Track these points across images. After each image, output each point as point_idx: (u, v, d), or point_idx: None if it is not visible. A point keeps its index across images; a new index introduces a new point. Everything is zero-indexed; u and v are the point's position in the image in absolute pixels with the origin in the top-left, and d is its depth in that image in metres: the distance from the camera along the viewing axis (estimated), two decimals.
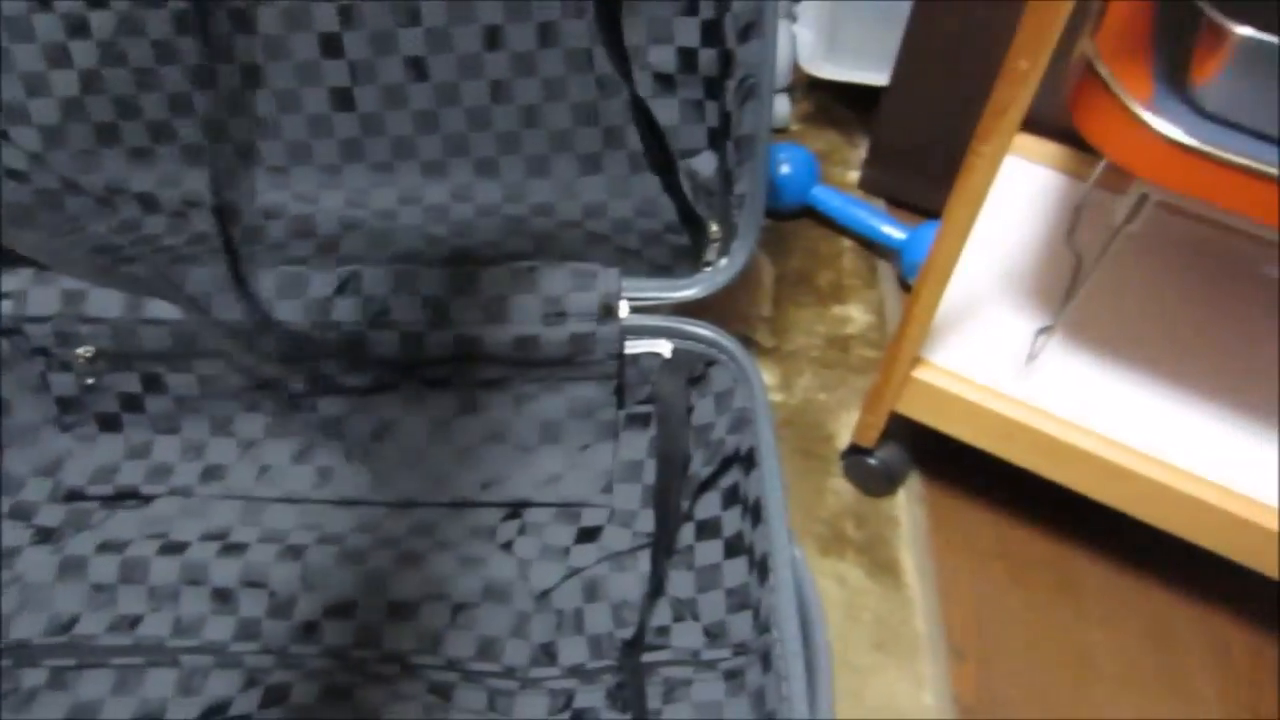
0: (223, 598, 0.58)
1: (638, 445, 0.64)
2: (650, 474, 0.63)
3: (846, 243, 0.86)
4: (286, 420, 0.63)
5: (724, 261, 0.61)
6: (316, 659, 0.56)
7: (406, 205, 0.65)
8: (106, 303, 0.58)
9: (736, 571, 0.57)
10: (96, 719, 0.54)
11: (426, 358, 0.60)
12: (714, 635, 0.56)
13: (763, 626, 0.52)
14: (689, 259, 0.62)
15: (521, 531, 0.62)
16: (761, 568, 0.54)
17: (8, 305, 0.59)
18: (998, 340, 0.65)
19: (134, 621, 0.57)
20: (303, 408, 0.63)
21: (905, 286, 0.83)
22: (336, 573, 0.58)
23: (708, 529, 0.60)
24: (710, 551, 0.59)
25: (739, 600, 0.56)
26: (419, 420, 0.63)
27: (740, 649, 0.54)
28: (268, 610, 0.57)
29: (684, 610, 0.58)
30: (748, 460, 0.58)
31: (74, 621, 0.57)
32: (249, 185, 0.64)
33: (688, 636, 0.57)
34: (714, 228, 0.60)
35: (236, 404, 0.63)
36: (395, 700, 0.54)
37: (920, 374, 0.62)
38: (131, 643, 0.56)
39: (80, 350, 0.60)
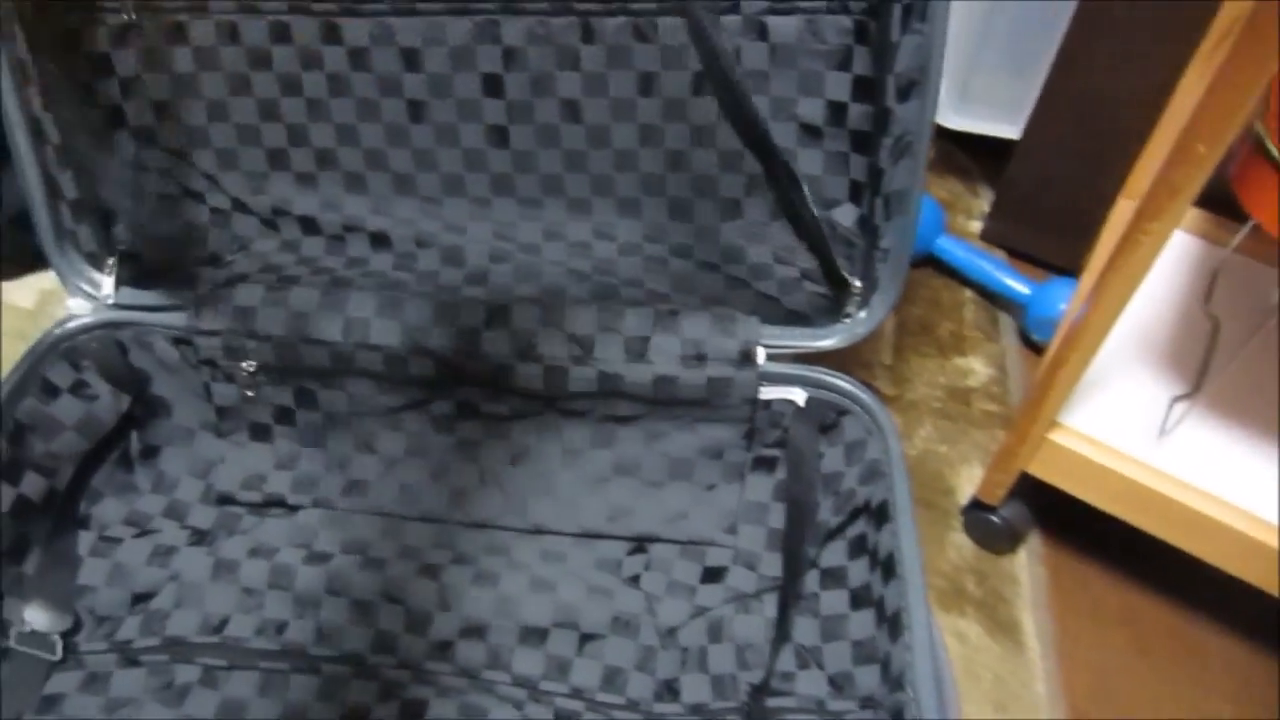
0: (362, 610, 0.60)
1: (763, 489, 0.65)
2: (774, 518, 0.65)
3: (968, 294, 0.86)
4: (427, 441, 0.66)
5: (863, 314, 0.62)
6: (450, 677, 0.58)
7: (551, 240, 0.67)
8: (273, 321, 0.62)
9: (863, 624, 0.58)
10: (244, 713, 0.56)
11: (567, 392, 0.62)
12: (839, 686, 0.57)
13: (895, 683, 0.52)
14: (828, 309, 0.64)
15: (648, 567, 0.63)
16: (894, 623, 0.54)
17: (182, 318, 0.62)
18: (1133, 405, 0.65)
19: (280, 627, 0.60)
20: (443, 430, 0.65)
21: (1027, 342, 0.83)
22: (470, 593, 0.61)
23: (833, 578, 0.61)
24: (836, 601, 0.60)
25: (866, 653, 0.57)
26: (553, 449, 0.65)
27: (868, 703, 0.55)
28: (405, 625, 0.60)
29: (808, 658, 0.59)
30: (880, 513, 0.58)
31: (225, 623, 0.60)
32: (404, 214, 0.67)
33: (812, 685, 0.58)
34: (855, 281, 0.61)
35: (381, 423, 0.66)
36: None
37: (1056, 437, 0.62)
38: (278, 648, 0.59)
39: (245, 364, 0.63)
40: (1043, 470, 0.63)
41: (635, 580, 0.63)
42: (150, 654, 0.58)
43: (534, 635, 0.60)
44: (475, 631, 0.60)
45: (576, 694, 0.59)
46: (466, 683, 0.59)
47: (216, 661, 0.58)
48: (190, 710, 0.57)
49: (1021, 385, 0.80)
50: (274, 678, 0.58)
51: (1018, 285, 0.82)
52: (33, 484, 0.59)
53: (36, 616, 0.57)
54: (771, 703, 0.57)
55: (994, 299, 0.86)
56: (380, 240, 0.66)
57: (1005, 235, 0.89)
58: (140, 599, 0.61)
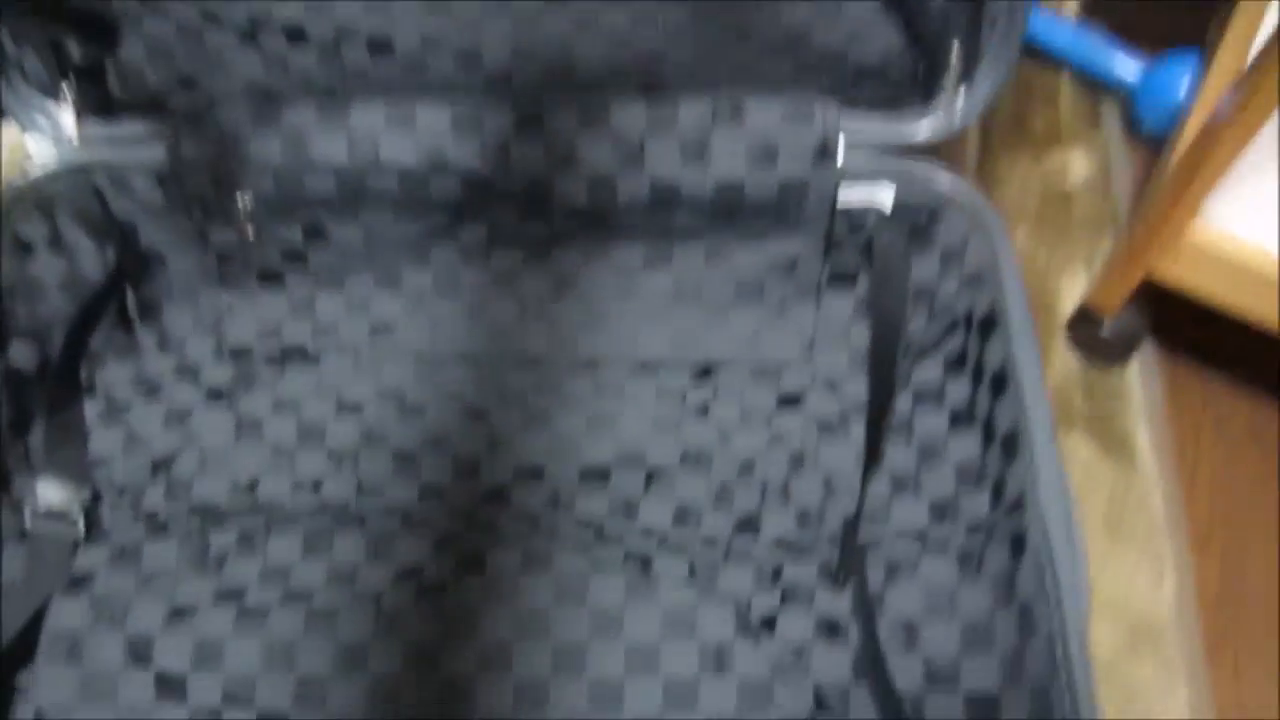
0: (404, 460, 0.55)
1: (843, 307, 0.58)
2: (858, 337, 0.58)
3: (1065, 79, 0.76)
4: (457, 275, 0.59)
5: (962, 96, 0.53)
6: (508, 523, 0.53)
7: (583, 32, 0.58)
8: (267, 147, 0.54)
9: (966, 445, 0.52)
10: (289, 582, 0.52)
11: (616, 206, 0.55)
12: (941, 513, 0.51)
13: (1012, 505, 0.46)
14: (918, 92, 0.54)
15: (716, 395, 0.57)
16: (1008, 443, 0.48)
17: (161, 151, 0.55)
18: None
19: (316, 484, 0.55)
20: (475, 261, 0.58)
21: (1135, 133, 0.73)
22: (522, 436, 0.55)
23: (930, 398, 0.54)
24: (933, 422, 0.54)
25: (971, 476, 0.51)
26: (602, 275, 0.58)
27: (976, 529, 0.49)
28: (453, 474, 0.55)
29: (904, 485, 0.53)
30: (985, 324, 0.51)
31: (256, 484, 0.55)
32: (405, 12, 0.58)
33: (910, 513, 0.52)
34: (953, 54, 0.52)
35: (404, 257, 0.59)
36: (596, 569, 0.51)
37: (1193, 236, 0.53)
38: (317, 505, 0.54)
39: (240, 199, 0.56)
40: (1174, 273, 0.55)
41: (704, 410, 0.56)
42: (180, 521, 0.54)
43: (596, 475, 0.54)
44: (531, 474, 0.54)
45: (647, 534, 0.53)
46: (526, 528, 0.53)
47: (252, 523, 0.54)
48: (231, 577, 0.52)
49: (1129, 183, 0.71)
50: (317, 537, 0.54)
51: (1125, 67, 0.71)
52: (22, 353, 0.54)
53: (50, 492, 0.53)
54: (866, 533, 0.51)
55: (1096, 84, 0.75)
56: (380, 46, 0.57)
57: (1107, 10, 0.77)
58: (160, 466, 0.56)
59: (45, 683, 0.48)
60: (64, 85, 0.55)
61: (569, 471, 0.54)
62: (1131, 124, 0.73)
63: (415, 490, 0.55)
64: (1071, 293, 0.65)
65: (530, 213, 0.56)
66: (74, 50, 0.54)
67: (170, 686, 0.48)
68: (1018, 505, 0.46)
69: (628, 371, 0.58)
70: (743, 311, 0.58)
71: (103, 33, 0.54)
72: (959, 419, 0.52)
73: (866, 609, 0.48)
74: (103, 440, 0.56)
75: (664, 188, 0.54)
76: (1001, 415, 0.49)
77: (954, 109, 0.53)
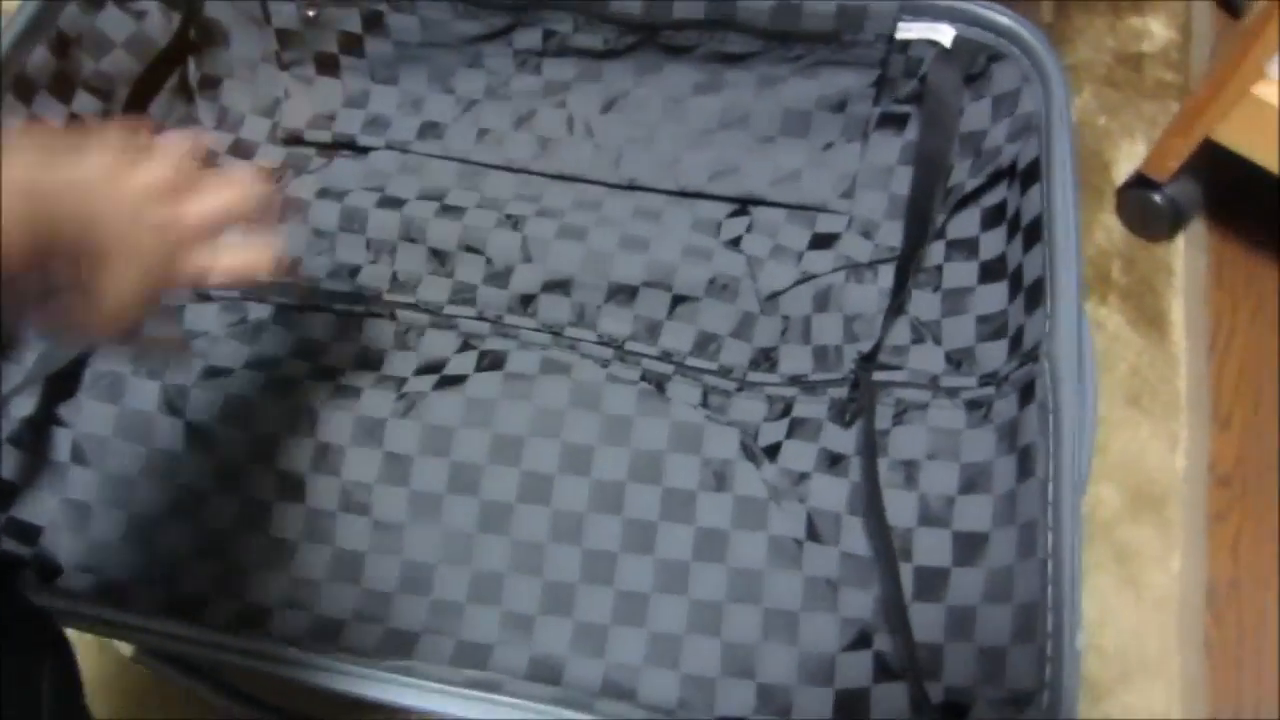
0: (440, 259, 0.56)
1: (889, 149, 0.57)
2: (899, 183, 0.57)
3: None
4: (509, 81, 0.58)
5: None
6: (532, 332, 0.55)
7: None
8: None
9: (993, 297, 0.51)
10: (320, 358, 0.54)
11: (670, 20, 0.53)
12: (957, 362, 0.52)
13: (1026, 356, 0.47)
14: None
15: (750, 229, 0.57)
16: (1032, 293, 0.48)
17: None
18: None
19: (353, 270, 0.57)
20: (527, 68, 0.58)
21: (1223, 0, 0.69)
22: (556, 247, 0.56)
23: (963, 248, 0.54)
24: (963, 273, 0.53)
25: (993, 328, 0.51)
26: (652, 94, 0.57)
27: (989, 379, 0.49)
28: (485, 277, 0.56)
29: (925, 332, 0.53)
30: (1028, 174, 0.50)
31: (295, 263, 0.57)
32: None
33: (927, 359, 0.52)
34: None
35: (458, 58, 0.58)
36: (610, 383, 0.53)
37: (1261, 92, 0.51)
38: (351, 290, 0.56)
39: None
40: (1237, 134, 0.53)
41: (736, 243, 0.57)
42: (221, 288, 0.56)
43: (623, 293, 0.55)
44: (560, 286, 0.55)
45: (666, 357, 0.55)
46: (549, 338, 0.55)
47: (289, 300, 0.56)
48: (265, 347, 0.55)
49: (1208, 52, 0.68)
50: (349, 321, 0.56)
51: None
52: (85, 103, 0.55)
53: None
54: (879, 376, 0.52)
55: None
56: None
57: None
58: None
59: (85, 416, 0.51)
60: None
61: (597, 287, 0.55)
62: None
63: (446, 289, 0.56)
64: (1129, 161, 0.63)
65: (585, 21, 0.55)
66: None
67: (199, 437, 0.51)
68: (1032, 355, 0.46)
69: (666, 198, 0.58)
70: (788, 147, 0.57)
71: None
72: (990, 271, 0.52)
73: (870, 444, 0.49)
74: None
75: (720, 4, 0.52)
76: (1030, 266, 0.48)
77: None
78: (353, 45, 0.59)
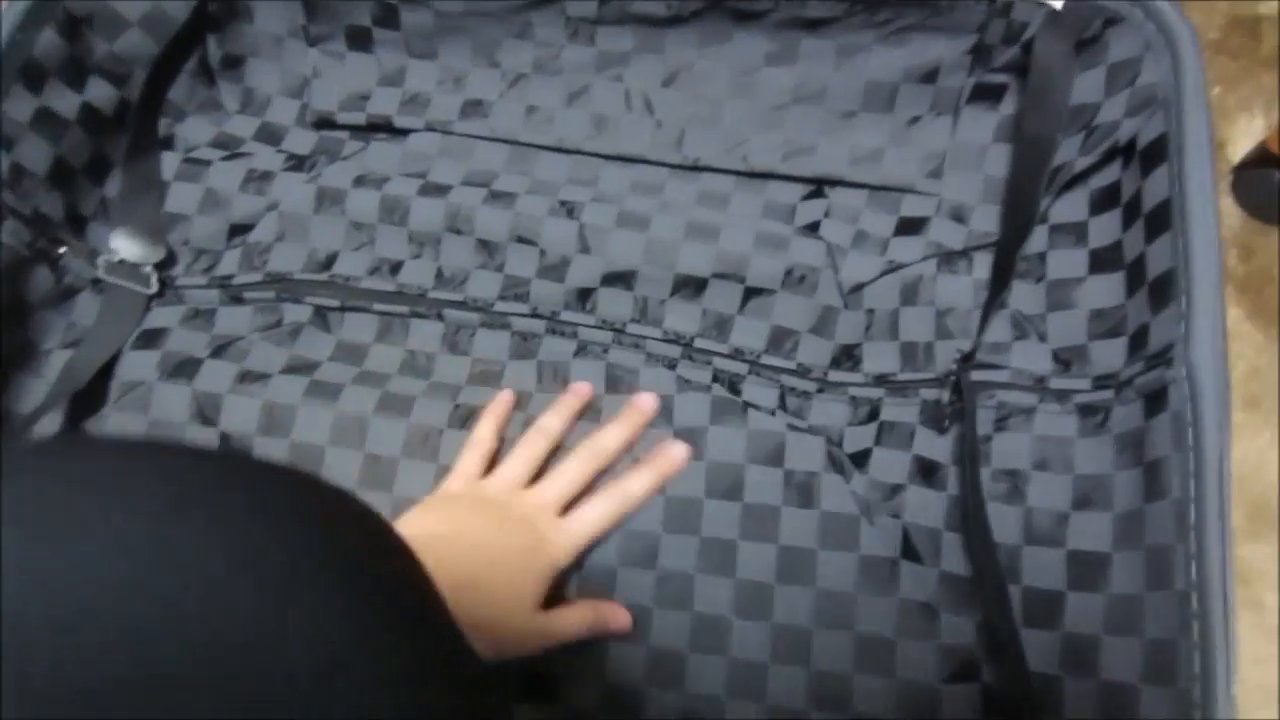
0: (489, 251, 0.52)
1: (983, 126, 0.52)
2: (994, 163, 0.51)
3: None
4: (560, 53, 0.53)
5: None
6: (591, 330, 0.50)
7: None
8: None
9: (1106, 290, 0.46)
10: (364, 364, 0.50)
11: None
12: (1065, 361, 0.46)
13: (1154, 360, 0.41)
14: None
15: (828, 214, 0.52)
16: (1158, 288, 0.42)
17: None
18: None
19: (395, 266, 0.52)
20: (580, 39, 0.53)
21: None
22: (615, 236, 0.51)
23: (1069, 234, 0.49)
24: (1070, 262, 0.48)
25: (1108, 324, 0.45)
26: (719, 67, 0.52)
27: (1105, 382, 0.44)
28: (538, 270, 0.51)
29: (1028, 328, 0.48)
30: (1150, 153, 0.45)
31: (333, 259, 0.53)
32: None
33: (1031, 358, 0.47)
34: None
35: (503, 28, 0.53)
36: (681, 388, 0.48)
37: None
38: (394, 289, 0.51)
39: None
40: None
41: (813, 228, 0.51)
42: (255, 289, 0.52)
43: (689, 286, 0.50)
44: (620, 279, 0.51)
45: (738, 355, 0.50)
46: (610, 336, 0.50)
47: (328, 301, 0.51)
48: (304, 351, 0.51)
49: None
50: (392, 322, 0.51)
51: None
52: (100, 90, 0.50)
53: (125, 245, 0.51)
54: (977, 375, 0.47)
55: None
56: None
57: None
58: (238, 230, 0.53)
59: (113, 430, 0.47)
60: None
61: (662, 279, 0.50)
62: None
63: (497, 285, 0.52)
64: (1247, 137, 0.57)
65: None
66: None
67: (235, 448, 0.47)
68: (1160, 358, 0.41)
69: (733, 181, 0.53)
70: (869, 123, 0.52)
71: None
72: (1101, 260, 0.47)
73: (970, 454, 0.44)
74: (180, 196, 0.53)
75: None
76: (1156, 257, 0.43)
77: None
78: (388, 17, 0.54)
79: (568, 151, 0.54)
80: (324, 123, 0.56)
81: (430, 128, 0.55)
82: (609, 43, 0.53)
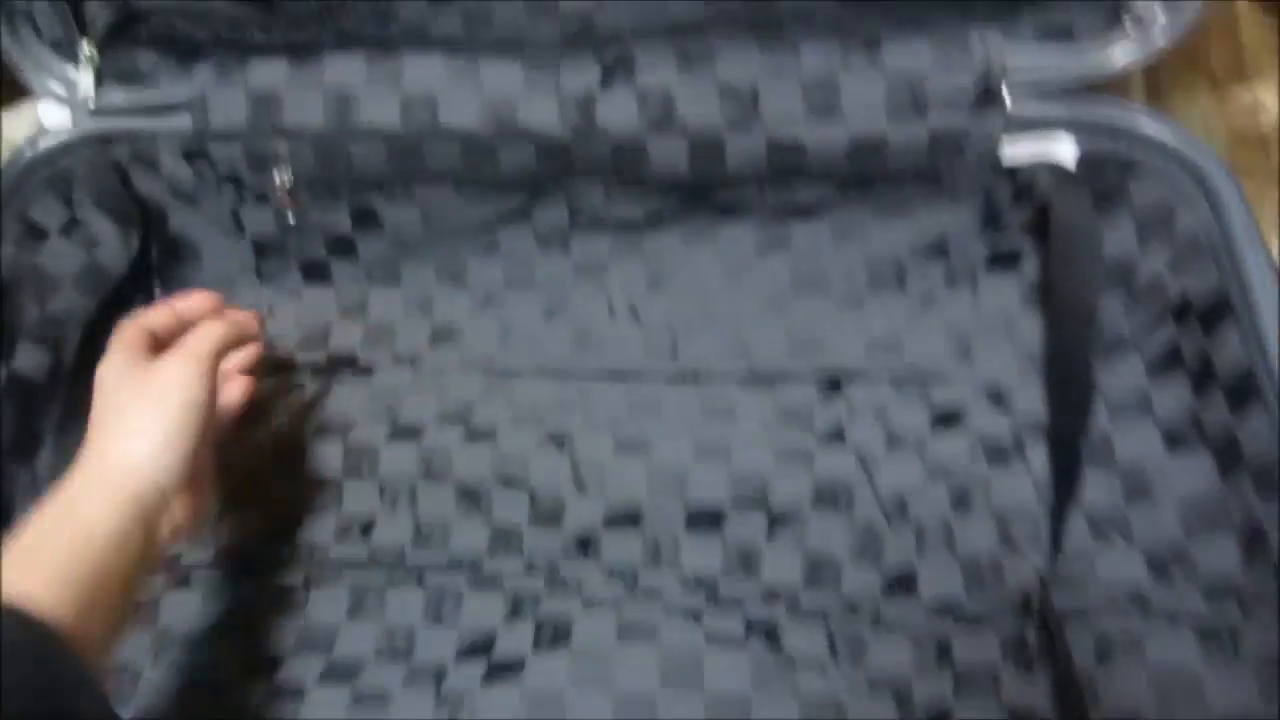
0: (472, 499, 0.45)
1: (1008, 293, 0.46)
2: (1028, 332, 0.46)
3: (1243, 6, 0.62)
4: (533, 266, 0.48)
5: (1160, 13, 0.40)
6: (599, 583, 0.43)
7: None
8: (307, 107, 0.44)
9: (1194, 474, 0.39)
10: (332, 653, 0.42)
11: (725, 174, 0.43)
12: (1162, 566, 0.39)
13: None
14: (1095, 14, 0.42)
15: (852, 414, 0.45)
16: (1262, 477, 0.36)
17: (188, 119, 0.46)
18: None
19: (366, 526, 0.45)
20: (553, 250, 0.48)
21: None
22: (615, 468, 0.44)
23: (1130, 407, 0.42)
24: (1141, 443, 0.41)
25: (1206, 517, 0.38)
26: (708, 263, 0.47)
27: (1221, 593, 0.37)
28: (530, 517, 0.44)
29: (1108, 529, 0.41)
30: (1212, 313, 0.39)
31: (297, 526, 0.45)
32: None
33: (1120, 567, 0.40)
34: None
35: (470, 245, 0.49)
36: (712, 643, 0.40)
37: None
38: (366, 555, 0.44)
39: (278, 175, 0.46)
40: None
41: (837, 434, 0.45)
42: (203, 569, 0.44)
43: (706, 519, 0.43)
44: (626, 519, 0.44)
45: (773, 596, 0.42)
46: (621, 589, 0.43)
47: (290, 580, 0.44)
48: (263, 639, 0.43)
49: None
50: (365, 594, 0.44)
51: None
52: (30, 358, 0.45)
53: None
54: (1062, 598, 0.39)
55: None
56: None
57: None
58: None
59: None
60: (82, 43, 0.46)
61: (673, 514, 0.43)
62: None
63: (485, 538, 0.45)
64: None
65: (619, 187, 0.45)
66: (95, 5, 0.45)
67: None
68: None
69: (740, 385, 0.47)
70: (880, 305, 0.46)
71: None
72: (1179, 438, 0.40)
73: (1075, 701, 0.36)
74: None
75: (784, 148, 0.42)
76: (1252, 437, 0.36)
77: (1150, 29, 0.41)
78: (344, 247, 0.49)
79: (551, 373, 0.48)
80: (282, 365, 0.50)
81: (398, 360, 0.49)
82: (585, 251, 0.48)
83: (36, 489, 0.46)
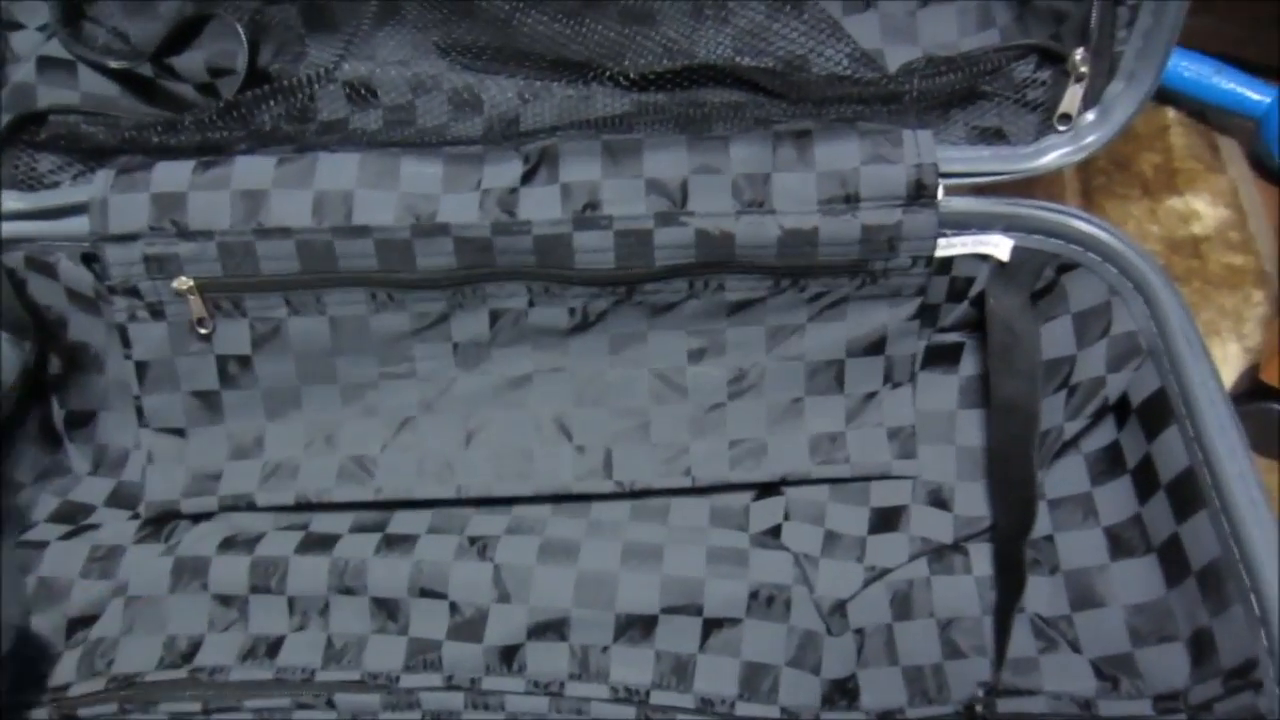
0: (387, 611, 0.42)
1: (945, 391, 0.45)
2: (967, 431, 0.44)
3: (1171, 114, 0.63)
4: (452, 386, 0.46)
5: (1091, 116, 0.41)
6: (523, 697, 0.39)
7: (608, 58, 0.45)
8: (214, 206, 0.42)
9: (1139, 579, 0.38)
10: None
11: (652, 271, 0.42)
12: (1112, 677, 0.37)
13: (1234, 679, 0.32)
14: (1027, 117, 0.42)
15: (788, 516, 0.43)
16: (1207, 582, 0.34)
17: (86, 223, 0.43)
18: None
19: (273, 646, 0.42)
20: (473, 365, 0.45)
21: (1263, 170, 0.60)
22: (540, 575, 0.42)
23: (1072, 509, 0.41)
24: (1084, 546, 0.40)
25: (1154, 626, 0.37)
26: (636, 374, 0.45)
27: (1170, 704, 0.34)
28: (450, 629, 0.41)
29: (1054, 635, 0.38)
30: (1151, 412, 0.38)
31: (195, 648, 0.42)
32: (392, 53, 0.46)
33: (1068, 676, 0.38)
34: (1079, 60, 0.39)
35: (382, 365, 0.46)
36: None
37: None
38: (273, 676, 0.41)
39: (176, 284, 0.43)
40: None
41: (773, 535, 0.43)
42: (97, 703, 0.40)
43: (637, 626, 0.41)
44: (551, 628, 0.41)
45: (707, 707, 0.39)
46: (546, 703, 0.40)
47: (188, 707, 0.40)
48: None
49: (1270, 227, 0.58)
50: (273, 718, 0.40)
51: (1253, 94, 0.59)
52: None
53: None
54: (1007, 706, 0.37)
55: (1213, 116, 0.62)
56: (359, 91, 0.46)
57: (1215, 36, 0.65)
58: (78, 624, 0.43)
59: None
60: None
61: (601, 623, 0.41)
62: (1259, 160, 0.60)
63: (401, 653, 0.41)
64: (1225, 367, 0.51)
65: (544, 292, 0.43)
66: None
67: None
68: (1242, 678, 0.32)
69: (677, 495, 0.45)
70: (820, 407, 0.45)
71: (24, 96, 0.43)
72: (1123, 542, 0.39)
73: None
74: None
75: (713, 240, 0.41)
76: (1195, 542, 0.35)
77: (1082, 131, 0.41)
78: (240, 371, 0.45)
79: (473, 502, 0.45)
80: (165, 516, 0.46)
81: (300, 504, 0.45)
82: (507, 365, 0.45)
83: None
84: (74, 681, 0.41)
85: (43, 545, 0.44)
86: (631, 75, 0.43)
